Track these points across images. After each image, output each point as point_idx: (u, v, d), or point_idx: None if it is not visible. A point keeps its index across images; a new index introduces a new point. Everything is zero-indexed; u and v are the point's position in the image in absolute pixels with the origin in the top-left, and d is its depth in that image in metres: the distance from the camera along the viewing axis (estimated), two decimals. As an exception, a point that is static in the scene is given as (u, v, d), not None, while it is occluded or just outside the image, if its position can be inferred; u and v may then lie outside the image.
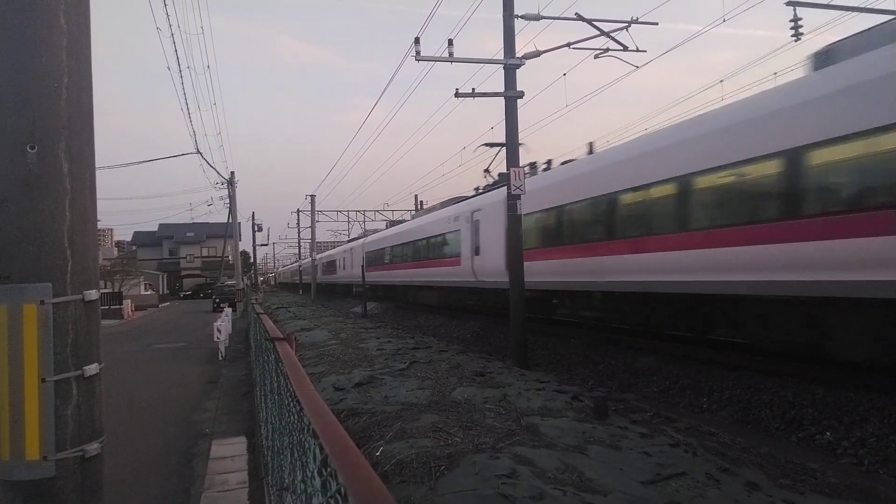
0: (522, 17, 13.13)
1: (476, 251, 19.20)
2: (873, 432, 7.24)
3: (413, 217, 34.34)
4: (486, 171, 21.50)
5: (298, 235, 65.31)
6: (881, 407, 7.63)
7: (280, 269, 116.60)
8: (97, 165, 2.57)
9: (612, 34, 13.95)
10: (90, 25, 2.52)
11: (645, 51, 14.27)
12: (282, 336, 3.88)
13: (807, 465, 6.18)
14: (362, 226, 54.91)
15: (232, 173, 37.01)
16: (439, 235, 23.02)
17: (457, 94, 13.25)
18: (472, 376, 9.62)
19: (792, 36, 14.67)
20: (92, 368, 2.37)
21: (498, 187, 18.04)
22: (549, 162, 17.92)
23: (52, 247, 2.29)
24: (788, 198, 8.59)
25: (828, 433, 7.57)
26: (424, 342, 15.53)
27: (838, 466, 6.55)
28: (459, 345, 16.26)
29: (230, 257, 45.40)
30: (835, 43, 8.88)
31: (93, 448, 2.35)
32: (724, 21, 14.45)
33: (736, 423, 8.45)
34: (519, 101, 12.95)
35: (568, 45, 14.10)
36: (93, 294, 2.40)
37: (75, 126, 2.37)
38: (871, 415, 7.57)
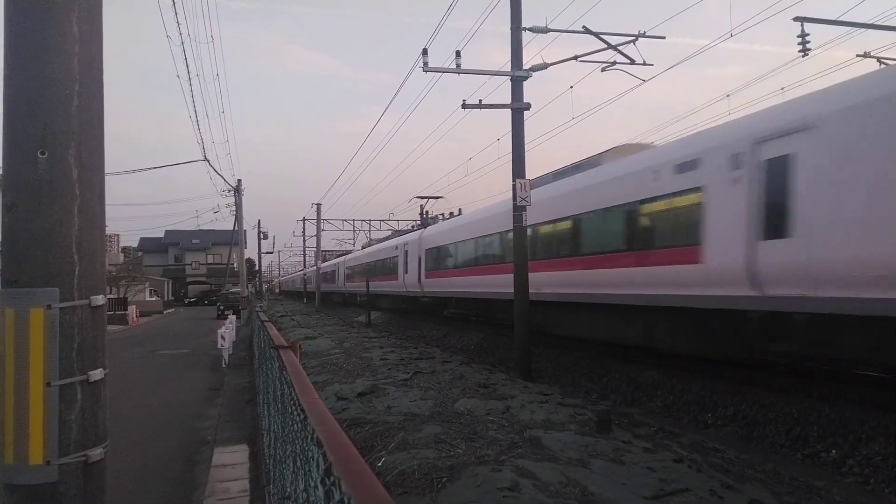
0: (530, 29, 13.20)
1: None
2: (879, 451, 7.17)
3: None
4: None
5: (304, 244, 65.43)
6: (887, 425, 7.55)
7: (282, 277, 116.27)
8: (105, 171, 2.58)
9: (619, 47, 14.01)
10: (102, 33, 2.54)
11: (652, 64, 14.33)
12: (286, 344, 3.88)
13: (812, 482, 6.13)
14: (367, 235, 54.69)
15: (239, 181, 37.22)
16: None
17: (464, 106, 13.30)
18: (475, 388, 9.60)
19: (800, 51, 14.68)
20: (97, 373, 2.37)
21: None
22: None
23: (60, 252, 2.30)
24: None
25: (833, 451, 7.50)
26: (428, 353, 15.51)
27: (843, 485, 6.48)
28: (463, 356, 16.22)
29: (235, 265, 45.51)
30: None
31: (96, 453, 2.35)
32: (731, 36, 14.48)
33: (740, 440, 8.38)
34: (526, 112, 13.00)
35: (575, 57, 14.15)
36: (99, 299, 2.40)
37: (85, 132, 2.39)
38: (877, 433, 7.50)
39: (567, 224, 14.01)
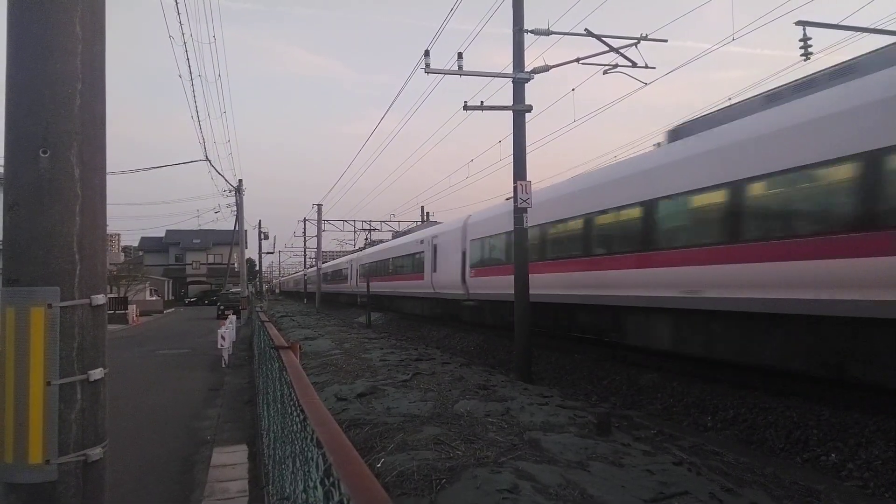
0: (532, 31, 13.20)
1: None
2: (879, 455, 7.16)
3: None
4: None
5: (304, 244, 65.48)
6: (887, 429, 7.55)
7: (283, 277, 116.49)
8: (107, 171, 2.58)
9: (621, 50, 14.01)
10: (105, 33, 2.54)
11: (654, 67, 14.32)
12: (286, 345, 3.88)
13: (812, 486, 6.12)
14: (368, 236, 54.92)
15: (240, 181, 37.22)
16: None
17: (465, 107, 13.30)
18: (475, 389, 9.59)
19: (801, 55, 14.68)
20: (97, 373, 2.37)
21: None
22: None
23: (62, 251, 2.30)
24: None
25: (833, 455, 7.49)
26: (428, 354, 15.51)
27: (843, 489, 6.48)
28: (463, 357, 16.21)
29: (236, 265, 45.51)
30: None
31: (95, 453, 2.35)
32: (733, 39, 14.49)
33: (740, 443, 8.38)
34: (527, 114, 13.01)
35: (577, 60, 14.15)
36: (100, 299, 2.41)
37: (88, 132, 2.39)
38: (877, 437, 7.50)
39: (390, 260, 31.96)
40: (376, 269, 34.68)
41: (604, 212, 13.06)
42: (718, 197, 10.00)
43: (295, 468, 2.22)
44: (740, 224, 9.53)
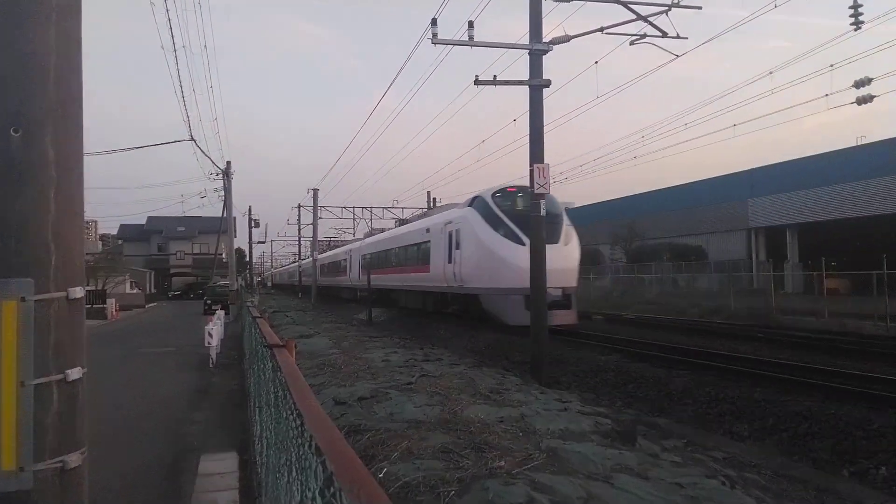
0: (551, -3, 13.13)
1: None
2: (935, 468, 7.14)
3: None
4: None
5: (299, 233, 65.68)
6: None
7: (275, 269, 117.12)
8: (84, 152, 2.59)
9: (650, 18, 13.92)
10: (81, 3, 2.55)
11: (686, 38, 14.23)
12: (280, 343, 3.90)
13: (861, 503, 6.11)
14: (368, 224, 55.20)
15: (228, 163, 37.35)
16: None
17: (476, 82, 13.27)
18: (487, 393, 9.61)
19: (851, 24, 14.53)
20: (75, 372, 2.38)
21: None
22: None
23: (35, 240, 2.31)
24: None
25: (883, 468, 7.47)
26: (434, 354, 15.53)
27: (894, 505, 6.46)
28: (473, 358, 16.23)
29: (224, 255, 45.76)
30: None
31: (73, 459, 2.36)
32: (775, 7, 14.36)
33: (780, 454, 8.37)
34: (545, 90, 12.95)
35: (601, 29, 14.08)
36: (78, 292, 2.42)
37: (64, 110, 2.39)
38: (933, 449, 7.47)
39: (328, 263, 56.80)
40: (328, 268, 55.69)
41: (385, 250, 34.41)
42: (395, 252, 33.13)
43: (291, 477, 2.24)
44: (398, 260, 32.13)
